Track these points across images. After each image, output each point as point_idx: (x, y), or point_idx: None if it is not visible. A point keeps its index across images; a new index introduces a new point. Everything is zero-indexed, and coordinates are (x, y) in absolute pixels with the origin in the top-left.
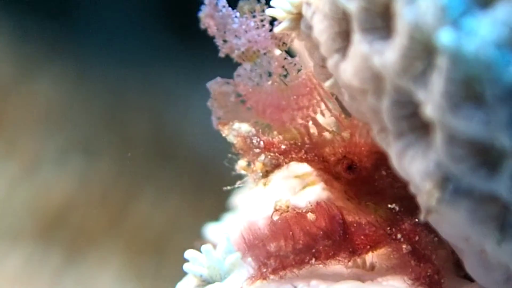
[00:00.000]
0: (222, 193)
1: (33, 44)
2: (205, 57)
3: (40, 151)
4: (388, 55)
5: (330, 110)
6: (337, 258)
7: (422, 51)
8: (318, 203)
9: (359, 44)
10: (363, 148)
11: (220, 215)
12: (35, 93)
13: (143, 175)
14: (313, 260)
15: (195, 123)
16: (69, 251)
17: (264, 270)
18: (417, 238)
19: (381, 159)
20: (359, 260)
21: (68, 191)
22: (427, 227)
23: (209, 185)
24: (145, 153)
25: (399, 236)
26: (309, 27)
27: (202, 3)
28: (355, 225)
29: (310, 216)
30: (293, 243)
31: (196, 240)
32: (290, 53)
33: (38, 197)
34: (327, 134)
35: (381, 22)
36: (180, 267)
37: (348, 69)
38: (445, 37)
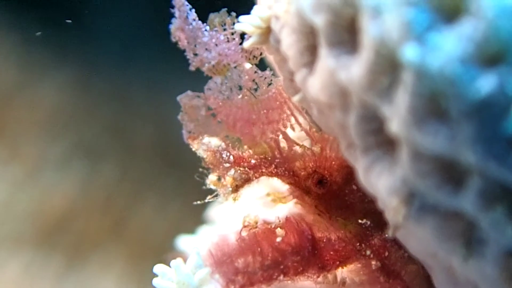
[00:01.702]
0: (209, 204)
1: (38, 49)
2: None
3: (43, 156)
4: (354, 70)
5: (300, 124)
6: (306, 274)
7: (388, 66)
8: (287, 219)
9: (326, 59)
10: (333, 163)
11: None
12: (39, 98)
13: (146, 181)
14: (282, 276)
15: None
16: (71, 257)
17: (232, 287)
18: (386, 254)
19: (351, 173)
20: (330, 276)
21: (71, 196)
22: (397, 242)
23: (212, 192)
24: (149, 159)
25: (368, 252)
26: (278, 41)
27: (210, 11)
28: (324, 240)
29: (279, 231)
30: (261, 259)
31: (168, 253)
32: (261, 66)
33: (41, 202)
34: (297, 148)
35: (347, 37)
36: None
37: (315, 84)
38: (409, 52)
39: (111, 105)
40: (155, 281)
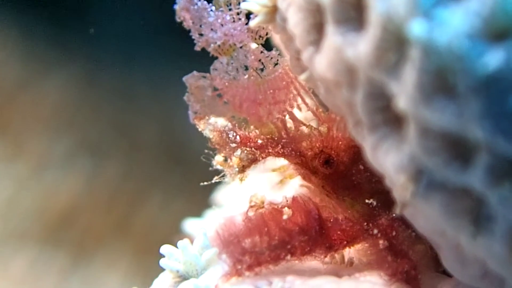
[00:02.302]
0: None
1: (42, 46)
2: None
3: (47, 153)
4: (361, 46)
5: (307, 104)
6: (313, 254)
7: (395, 43)
8: (294, 198)
9: (333, 36)
10: (340, 143)
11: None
12: (43, 96)
13: (151, 178)
14: (289, 256)
15: None
16: (76, 253)
17: (239, 267)
18: (394, 233)
19: (358, 153)
20: (337, 256)
21: (75, 193)
22: (405, 222)
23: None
24: (153, 156)
25: (375, 231)
26: (284, 20)
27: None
28: (331, 220)
29: (286, 211)
30: (269, 239)
31: (175, 235)
32: (267, 46)
33: (45, 199)
34: (304, 129)
35: (354, 14)
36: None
37: (322, 62)
38: (417, 28)
39: (115, 103)
40: (162, 262)
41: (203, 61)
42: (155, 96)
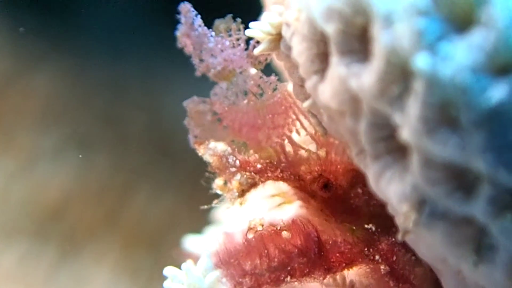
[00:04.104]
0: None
1: (31, 39)
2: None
3: (36, 146)
4: (365, 78)
5: (305, 129)
6: (312, 275)
7: (399, 75)
8: (293, 221)
9: (337, 67)
10: (339, 166)
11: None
12: (32, 89)
13: (140, 171)
14: (288, 278)
15: None
16: (65, 247)
17: None
18: (394, 258)
19: (357, 177)
20: (338, 278)
21: (65, 187)
22: (405, 246)
23: (205, 181)
24: (142, 149)
25: (377, 257)
26: (288, 48)
27: (216, 17)
28: (330, 242)
29: (285, 234)
30: (268, 261)
31: (175, 250)
32: (266, 71)
33: (34, 193)
34: (302, 153)
35: (359, 45)
36: (176, 262)
37: (326, 91)
38: (421, 61)
39: (104, 95)
40: (166, 284)
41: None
42: (143, 88)
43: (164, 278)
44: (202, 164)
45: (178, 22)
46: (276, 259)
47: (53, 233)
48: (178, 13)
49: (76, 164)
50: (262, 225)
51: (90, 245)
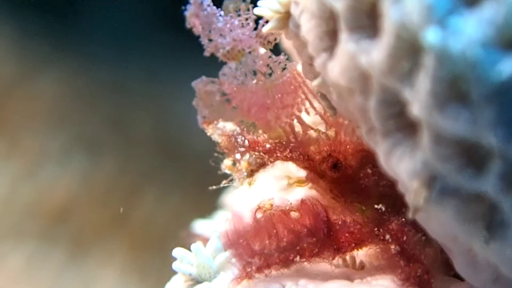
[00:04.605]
0: (223, 190)
1: (37, 43)
2: (209, 56)
3: (43, 149)
4: (375, 54)
5: (314, 109)
6: (321, 255)
7: (409, 51)
8: (302, 201)
9: (346, 43)
10: (348, 146)
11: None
12: (38, 92)
13: (146, 173)
14: (298, 258)
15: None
16: (72, 249)
17: (249, 269)
18: (405, 238)
19: (366, 157)
20: (348, 259)
21: (71, 189)
22: (415, 226)
23: (212, 183)
24: (148, 151)
25: (387, 237)
26: (297, 26)
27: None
28: (339, 222)
29: (294, 214)
30: (277, 240)
31: (184, 232)
32: (275, 51)
33: (41, 195)
34: (312, 133)
35: (368, 21)
36: (188, 248)
37: (335, 68)
38: (431, 36)
39: (110, 98)
40: (174, 265)
41: (198, 56)
42: (149, 91)
43: (170, 278)
44: (208, 166)
45: (183, 26)
46: (285, 239)
47: (60, 235)
48: (184, 11)
49: (82, 166)
50: (272, 205)
51: (97, 247)
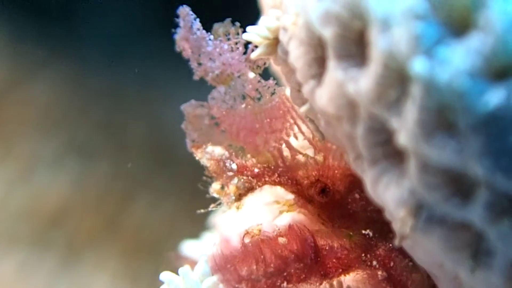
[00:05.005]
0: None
1: (30, 47)
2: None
3: (36, 154)
4: (363, 82)
5: (303, 133)
6: (308, 281)
7: (396, 79)
8: (290, 226)
9: (334, 71)
10: (336, 171)
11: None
12: (31, 97)
13: (139, 179)
14: (285, 284)
15: None
16: (65, 254)
17: None
18: (392, 264)
19: (354, 182)
20: (335, 284)
21: (64, 194)
22: (402, 252)
23: (205, 189)
24: (141, 157)
25: (374, 262)
26: (286, 53)
27: (214, 21)
28: (327, 248)
29: (281, 239)
30: (265, 266)
31: (172, 254)
32: (264, 75)
33: (34, 200)
34: (300, 157)
35: (356, 50)
36: (172, 267)
37: (323, 96)
38: (418, 66)
39: (103, 103)
40: None
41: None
42: (143, 97)
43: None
44: (201, 172)
45: (177, 30)
46: (272, 265)
47: (53, 241)
48: (177, 16)
49: (75, 172)
50: (260, 231)
51: (90, 253)
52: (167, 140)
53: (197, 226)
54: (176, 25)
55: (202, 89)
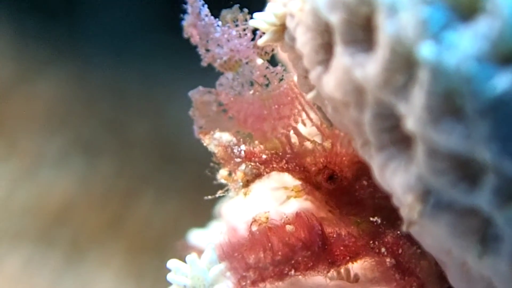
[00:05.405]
0: (219, 198)
1: (35, 45)
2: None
3: (40, 152)
4: (370, 68)
5: (311, 120)
6: (316, 269)
7: (404, 64)
8: (297, 214)
9: (341, 57)
10: (344, 158)
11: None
12: (36, 94)
13: (143, 176)
14: (292, 272)
15: None
16: (69, 252)
17: (243, 283)
18: (400, 251)
19: (362, 169)
20: (343, 272)
21: (68, 192)
22: (410, 239)
23: (209, 186)
24: (145, 154)
25: (382, 250)
26: (293, 39)
27: (222, 7)
28: (334, 236)
29: (289, 227)
30: (272, 254)
31: (179, 243)
32: (273, 62)
33: (39, 198)
34: (308, 144)
35: (363, 35)
36: (183, 259)
37: (330, 82)
38: (426, 50)
39: (107, 100)
40: (169, 276)
41: (196, 59)
42: (146, 94)
43: (166, 281)
44: (205, 169)
45: (181, 28)
46: (280, 253)
47: (57, 238)
48: (185, 2)
49: (80, 169)
50: (267, 218)
51: (95, 250)
52: (171, 138)
53: (202, 223)
54: (180, 27)
55: (206, 85)
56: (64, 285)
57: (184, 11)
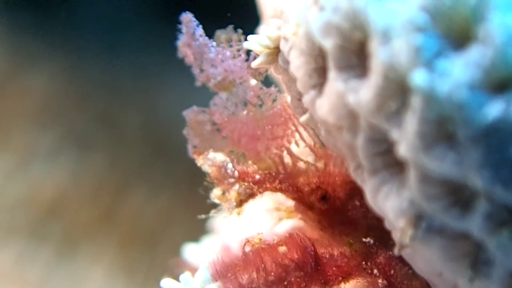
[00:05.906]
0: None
1: (27, 38)
2: None
3: (33, 145)
4: (363, 93)
5: (304, 140)
6: None
7: (396, 91)
8: (290, 235)
9: (335, 82)
10: (337, 178)
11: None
12: (28, 88)
13: (136, 170)
14: None
15: None
16: (61, 246)
17: None
18: (392, 271)
19: (354, 189)
20: None
21: (61, 185)
22: (402, 260)
23: (201, 180)
24: (138, 148)
25: (375, 270)
26: (286, 62)
27: (217, 28)
28: (327, 256)
29: (282, 248)
30: (265, 275)
31: (174, 259)
32: (266, 83)
33: (31, 191)
34: (301, 164)
35: (356, 60)
36: (173, 272)
37: (324, 106)
38: (418, 78)
39: (100, 94)
40: None
41: None
42: (139, 88)
43: (161, 277)
44: (198, 168)
45: (174, 22)
46: (273, 273)
47: (49, 232)
48: (178, 20)
49: (72, 163)
50: (260, 240)
51: (86, 245)
52: (164, 132)
53: (193, 218)
54: (174, 21)
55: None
56: (56, 280)
57: (174, 21)
